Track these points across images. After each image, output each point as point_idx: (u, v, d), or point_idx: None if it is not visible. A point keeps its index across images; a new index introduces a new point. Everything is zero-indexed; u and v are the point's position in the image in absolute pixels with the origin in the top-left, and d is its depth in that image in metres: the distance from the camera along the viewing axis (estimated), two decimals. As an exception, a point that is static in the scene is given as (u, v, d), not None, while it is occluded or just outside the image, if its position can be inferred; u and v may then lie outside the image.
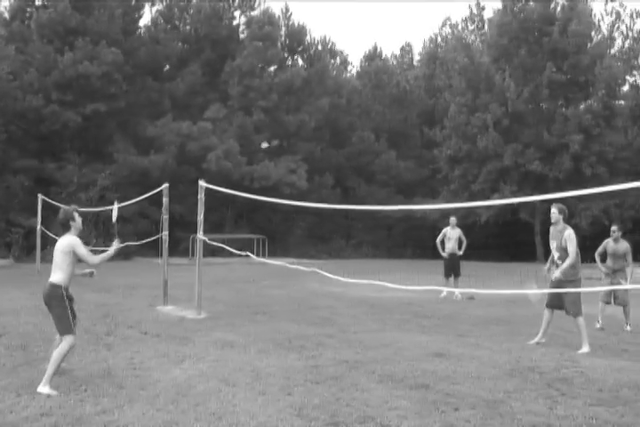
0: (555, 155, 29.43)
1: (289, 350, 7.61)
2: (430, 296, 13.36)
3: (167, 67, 33.84)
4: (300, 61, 35.64)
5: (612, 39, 33.87)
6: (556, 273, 7.98)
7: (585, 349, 7.87)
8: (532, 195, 7.16)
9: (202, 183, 10.78)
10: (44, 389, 5.64)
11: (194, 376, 6.28)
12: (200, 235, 10.78)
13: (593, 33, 31.67)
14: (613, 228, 10.10)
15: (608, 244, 10.01)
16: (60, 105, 27.74)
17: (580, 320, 8.02)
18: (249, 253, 10.98)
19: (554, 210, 8.17)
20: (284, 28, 34.68)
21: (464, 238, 14.28)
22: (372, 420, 4.99)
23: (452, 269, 14.16)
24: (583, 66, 29.70)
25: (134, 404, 5.34)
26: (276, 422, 4.92)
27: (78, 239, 6.04)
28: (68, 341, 5.86)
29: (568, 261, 7.95)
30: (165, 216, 11.71)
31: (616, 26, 34.41)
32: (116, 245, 6.49)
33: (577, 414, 5.21)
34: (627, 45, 34.05)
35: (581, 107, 30.58)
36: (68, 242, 5.96)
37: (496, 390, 5.92)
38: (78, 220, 6.15)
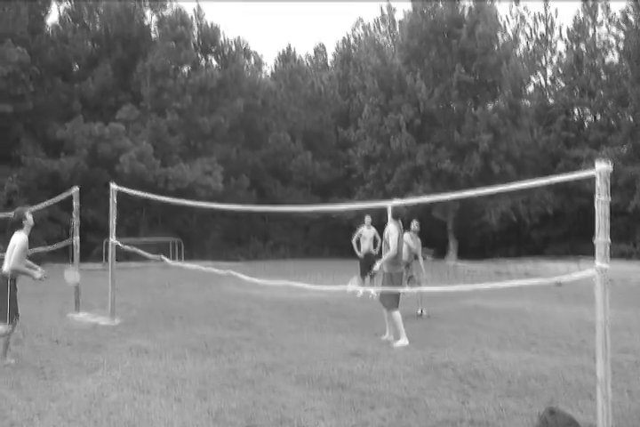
0: (465, 154, 30.25)
1: (205, 355, 7.54)
2: (347, 296, 13.51)
3: (77, 67, 32.75)
4: (215, 62, 35.24)
5: (517, 41, 35.27)
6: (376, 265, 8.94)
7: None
8: (444, 193, 7.36)
9: (113, 186, 10.56)
10: None
11: (107, 385, 6.13)
12: (112, 239, 10.54)
13: (499, 35, 32.70)
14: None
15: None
16: (-39, 106, 26.41)
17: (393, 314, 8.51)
18: (162, 257, 10.80)
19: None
20: (196, 29, 34.19)
21: (379, 237, 14.51)
22: (289, 422, 5.01)
23: (368, 268, 14.36)
24: (490, 67, 30.57)
25: (44, 416, 5.17)
26: (193, 428, 4.88)
27: None
28: None
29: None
30: (76, 221, 11.35)
31: (521, 28, 36.02)
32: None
33: (488, 407, 5.42)
34: (531, 47, 35.61)
35: (489, 107, 31.54)
36: None
37: (411, 387, 6.07)
38: None
